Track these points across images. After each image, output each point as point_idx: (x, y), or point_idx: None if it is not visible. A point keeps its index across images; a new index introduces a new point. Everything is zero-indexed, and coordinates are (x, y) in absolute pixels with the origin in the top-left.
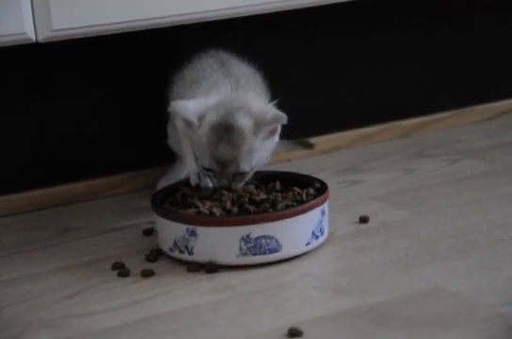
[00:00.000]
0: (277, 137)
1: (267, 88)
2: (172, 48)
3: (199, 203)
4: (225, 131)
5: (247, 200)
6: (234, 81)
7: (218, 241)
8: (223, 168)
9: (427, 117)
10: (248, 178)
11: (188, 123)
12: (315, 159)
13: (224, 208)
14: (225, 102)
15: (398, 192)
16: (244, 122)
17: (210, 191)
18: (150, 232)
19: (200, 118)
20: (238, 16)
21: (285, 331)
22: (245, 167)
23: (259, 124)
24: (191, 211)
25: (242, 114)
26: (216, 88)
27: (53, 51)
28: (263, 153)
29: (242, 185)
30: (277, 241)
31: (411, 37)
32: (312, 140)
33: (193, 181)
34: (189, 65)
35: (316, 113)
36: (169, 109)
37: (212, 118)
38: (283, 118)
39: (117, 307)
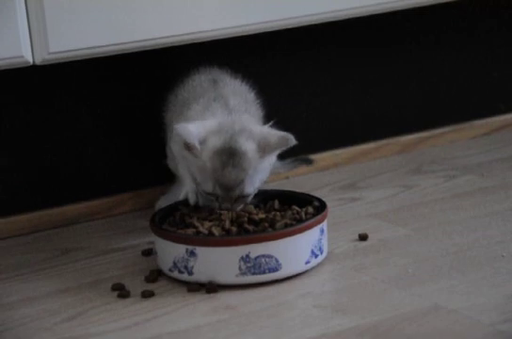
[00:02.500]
0: (275, 157)
1: (261, 105)
2: (168, 67)
3: (198, 223)
4: (230, 155)
5: (246, 219)
6: (224, 103)
7: (218, 261)
8: (228, 192)
9: (425, 133)
10: (249, 200)
11: (189, 147)
12: (313, 176)
13: (223, 228)
14: (226, 125)
15: (397, 209)
16: (248, 146)
17: (209, 210)
18: (149, 252)
19: (202, 141)
20: (233, 36)
21: None
22: (249, 190)
23: (263, 148)
24: (190, 231)
25: (244, 137)
26: (207, 111)
27: (48, 73)
28: (264, 173)
29: (243, 206)
30: (276, 260)
31: (409, 53)
32: (311, 157)
33: (192, 200)
34: (182, 84)
35: (313, 130)
36: (174, 131)
37: (214, 142)
38: (291, 140)
39: (117, 329)
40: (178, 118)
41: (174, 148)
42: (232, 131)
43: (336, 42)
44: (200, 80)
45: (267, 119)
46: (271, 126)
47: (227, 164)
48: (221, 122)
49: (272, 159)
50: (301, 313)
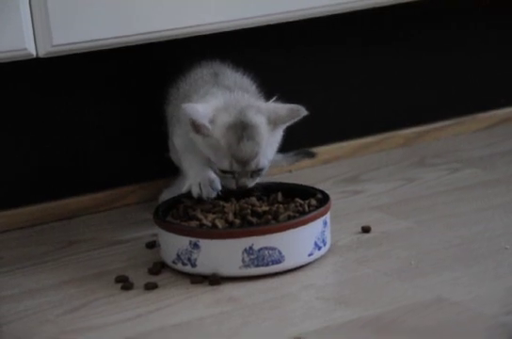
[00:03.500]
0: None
1: (262, 98)
2: (173, 60)
3: (201, 216)
4: (243, 129)
5: (249, 211)
6: (224, 88)
7: (221, 253)
8: (244, 166)
9: (427, 126)
10: (262, 174)
11: (198, 127)
12: (316, 169)
13: (226, 220)
14: (232, 102)
15: (399, 202)
16: (258, 119)
17: (212, 202)
18: (152, 244)
19: (211, 120)
20: (235, 29)
21: None
22: (264, 162)
23: (274, 120)
24: (194, 224)
25: (253, 111)
26: (207, 96)
27: (52, 66)
28: (274, 146)
29: (255, 183)
30: (279, 252)
31: (411, 47)
32: (313, 150)
33: (195, 192)
34: (184, 77)
35: (316, 123)
36: (181, 112)
37: (225, 119)
38: (301, 110)
39: (120, 321)
40: (180, 111)
41: (177, 141)
42: (240, 106)
43: (339, 36)
44: (202, 73)
45: None
46: (274, 101)
47: (241, 138)
48: (227, 100)
49: (281, 133)
50: (304, 305)
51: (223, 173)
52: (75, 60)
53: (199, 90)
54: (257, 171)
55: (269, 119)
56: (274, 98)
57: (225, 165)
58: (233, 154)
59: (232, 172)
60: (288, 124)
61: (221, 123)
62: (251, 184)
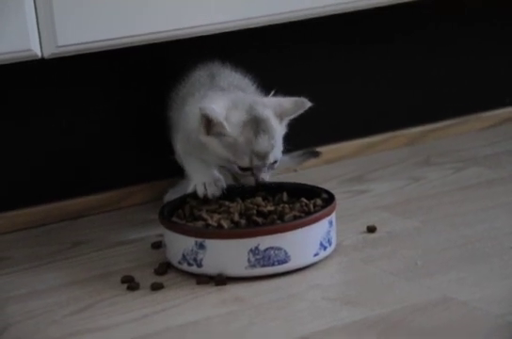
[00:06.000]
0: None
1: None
2: (178, 60)
3: (206, 216)
4: (257, 124)
5: (254, 211)
6: (220, 89)
7: (227, 253)
8: (264, 160)
9: (432, 125)
10: (276, 166)
11: (214, 126)
12: (321, 169)
13: (232, 220)
14: (238, 99)
15: (405, 201)
16: (267, 113)
17: (217, 202)
18: (158, 245)
19: (225, 119)
20: (239, 29)
21: None
22: (279, 154)
23: (280, 114)
24: (199, 224)
25: (261, 106)
26: (203, 99)
27: (55, 67)
28: (281, 138)
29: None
30: (285, 252)
31: (415, 46)
32: (318, 150)
33: (200, 192)
34: (182, 80)
35: (321, 122)
36: (200, 112)
37: (238, 116)
38: (306, 102)
39: (126, 321)
40: (179, 115)
41: (180, 146)
42: (248, 102)
43: (342, 35)
44: (200, 75)
45: None
46: (274, 95)
47: (257, 132)
48: (232, 98)
49: (284, 126)
50: (310, 305)
51: (243, 171)
52: (79, 61)
53: (195, 93)
54: (272, 164)
55: (275, 112)
56: (272, 92)
57: (245, 161)
58: (253, 150)
59: (250, 169)
60: (293, 116)
61: (236, 121)
62: (268, 177)
